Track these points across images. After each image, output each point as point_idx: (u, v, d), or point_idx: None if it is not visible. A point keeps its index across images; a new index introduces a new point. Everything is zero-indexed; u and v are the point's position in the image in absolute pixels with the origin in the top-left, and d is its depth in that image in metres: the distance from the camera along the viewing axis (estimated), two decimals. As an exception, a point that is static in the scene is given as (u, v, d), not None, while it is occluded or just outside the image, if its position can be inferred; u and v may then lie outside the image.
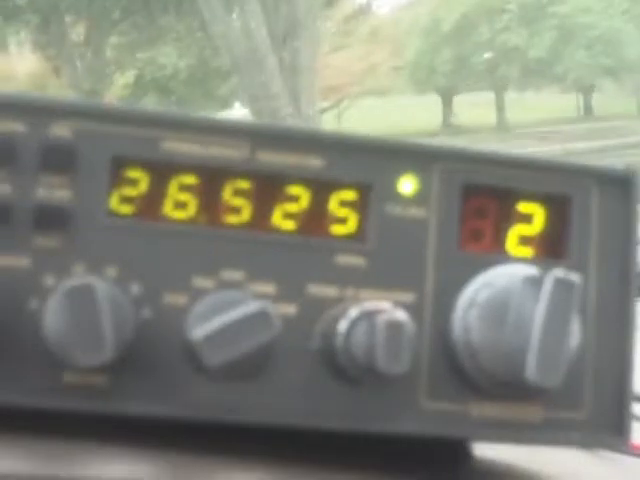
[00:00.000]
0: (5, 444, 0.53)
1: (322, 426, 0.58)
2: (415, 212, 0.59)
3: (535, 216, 0.61)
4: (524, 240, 0.61)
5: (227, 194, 0.58)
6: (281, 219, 0.58)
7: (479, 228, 0.61)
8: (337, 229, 0.59)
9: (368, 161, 0.59)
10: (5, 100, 0.56)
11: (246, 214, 0.58)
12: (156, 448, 0.55)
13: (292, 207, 0.58)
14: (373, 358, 0.54)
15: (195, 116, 0.58)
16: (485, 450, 0.68)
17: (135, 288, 0.56)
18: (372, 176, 0.59)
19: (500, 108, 24.00)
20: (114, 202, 0.57)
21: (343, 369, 0.56)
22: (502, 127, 22.94)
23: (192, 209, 0.57)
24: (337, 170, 0.59)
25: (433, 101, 25.09)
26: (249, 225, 0.58)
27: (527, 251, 0.61)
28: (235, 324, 0.53)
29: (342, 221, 0.59)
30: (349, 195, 0.59)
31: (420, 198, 0.59)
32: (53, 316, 0.53)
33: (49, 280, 0.55)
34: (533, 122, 22.98)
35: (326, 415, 0.58)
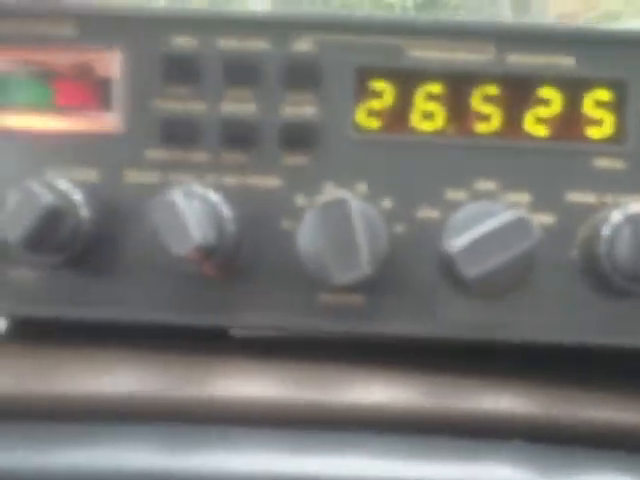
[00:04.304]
0: (257, 369, 0.53)
1: (587, 341, 0.55)
2: None
3: None
4: None
5: (476, 101, 0.55)
6: (533, 124, 0.55)
7: None
8: (593, 132, 0.55)
9: (623, 56, 0.55)
10: (248, 18, 0.55)
11: (496, 121, 0.55)
12: (410, 371, 0.54)
13: (544, 111, 0.55)
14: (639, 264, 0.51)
15: (439, 21, 0.56)
16: None
17: (387, 203, 0.55)
18: (628, 73, 0.55)
19: None
20: (361, 116, 0.55)
21: (606, 278, 0.53)
22: None
23: (440, 119, 0.55)
24: (590, 68, 0.55)
25: (671, 22, 23.98)
26: (500, 132, 0.55)
27: None
28: (493, 233, 0.51)
29: (598, 123, 0.55)
30: (604, 95, 0.55)
31: None
32: (307, 234, 0.53)
33: (300, 199, 0.55)
34: None
35: (590, 329, 0.55)
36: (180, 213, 0.51)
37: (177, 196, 0.51)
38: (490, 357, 0.58)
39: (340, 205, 0.51)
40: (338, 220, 0.51)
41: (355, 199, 0.52)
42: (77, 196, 0.54)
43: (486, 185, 0.55)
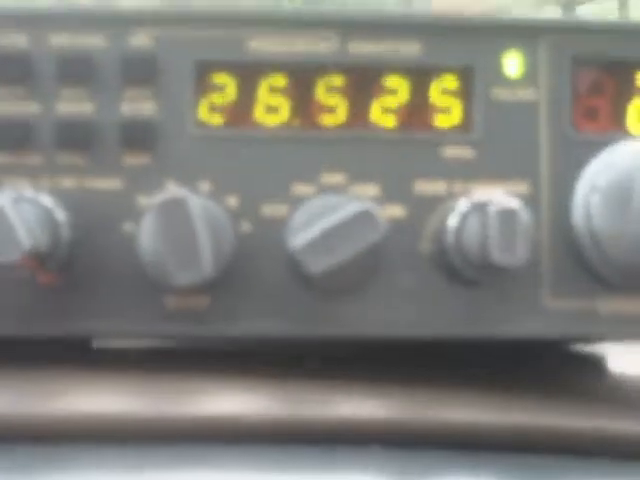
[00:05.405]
0: (109, 381, 0.51)
1: (438, 334, 0.54)
2: (523, 94, 0.55)
3: None
4: None
5: (320, 92, 0.54)
6: (380, 114, 0.54)
7: (594, 105, 0.56)
8: (441, 120, 0.55)
9: (469, 43, 0.55)
10: (80, 13, 0.53)
11: (342, 112, 0.54)
12: (266, 379, 0.53)
13: (391, 100, 0.54)
14: (487, 251, 0.50)
15: (278, 11, 0.54)
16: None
17: (232, 201, 0.53)
18: (474, 58, 0.55)
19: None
20: (202, 111, 0.54)
21: (456, 270, 0.53)
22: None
23: (285, 112, 0.54)
24: (436, 55, 0.54)
25: None
26: (346, 124, 0.54)
27: None
28: (337, 228, 0.50)
29: (445, 111, 0.55)
30: (451, 82, 0.55)
31: (527, 78, 0.55)
32: (147, 235, 0.51)
33: (142, 200, 0.53)
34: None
35: (442, 322, 0.54)
36: (6, 218, 0.48)
37: (4, 200, 0.49)
38: (348, 361, 0.57)
39: (178, 204, 0.49)
40: (176, 219, 0.49)
41: (197, 198, 0.51)
42: None
43: (333, 178, 0.54)
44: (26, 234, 0.48)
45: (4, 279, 0.52)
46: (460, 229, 0.52)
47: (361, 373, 0.55)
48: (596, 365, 0.65)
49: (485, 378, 0.56)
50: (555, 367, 0.62)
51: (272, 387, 0.51)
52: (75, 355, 0.55)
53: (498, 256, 0.50)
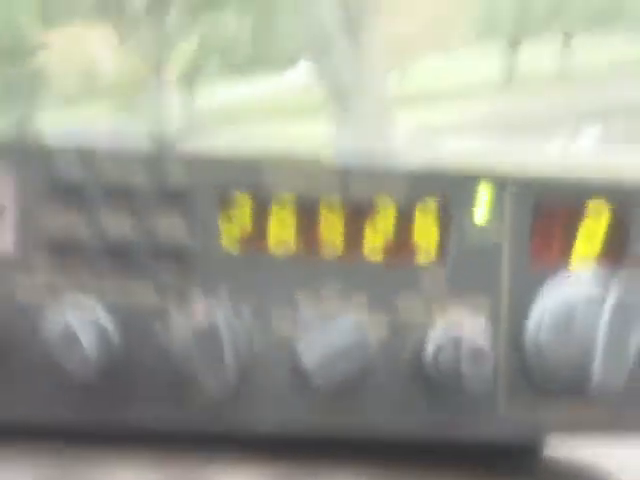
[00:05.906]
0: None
1: (406, 436, 0.64)
2: (489, 234, 0.64)
3: (599, 228, 0.66)
4: (589, 247, 0.66)
5: (323, 224, 0.63)
6: (372, 241, 0.63)
7: (548, 243, 0.65)
8: (422, 246, 0.64)
9: (444, 186, 0.64)
10: (128, 152, 0.62)
11: (339, 242, 0.63)
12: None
13: (380, 231, 0.63)
14: (460, 379, 0.60)
15: (292, 154, 0.63)
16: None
17: (247, 315, 0.62)
18: (450, 199, 0.64)
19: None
20: (225, 237, 0.62)
21: (432, 387, 0.63)
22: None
23: (292, 243, 0.63)
24: (418, 194, 0.63)
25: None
26: (343, 253, 0.63)
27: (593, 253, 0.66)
28: (338, 350, 0.60)
29: (426, 238, 0.64)
30: (431, 214, 0.64)
31: (494, 220, 0.64)
32: (180, 350, 0.59)
33: (173, 310, 0.61)
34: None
35: (408, 425, 0.64)
36: (74, 333, 0.57)
37: (70, 316, 0.57)
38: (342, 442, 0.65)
39: (210, 329, 0.59)
40: (209, 343, 0.58)
41: (223, 312, 0.59)
42: None
43: (333, 300, 0.63)
44: (91, 348, 0.57)
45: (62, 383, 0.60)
46: (435, 359, 0.61)
47: (353, 452, 0.63)
48: (532, 451, 0.74)
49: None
50: (495, 452, 0.70)
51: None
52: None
53: (470, 385, 0.61)
